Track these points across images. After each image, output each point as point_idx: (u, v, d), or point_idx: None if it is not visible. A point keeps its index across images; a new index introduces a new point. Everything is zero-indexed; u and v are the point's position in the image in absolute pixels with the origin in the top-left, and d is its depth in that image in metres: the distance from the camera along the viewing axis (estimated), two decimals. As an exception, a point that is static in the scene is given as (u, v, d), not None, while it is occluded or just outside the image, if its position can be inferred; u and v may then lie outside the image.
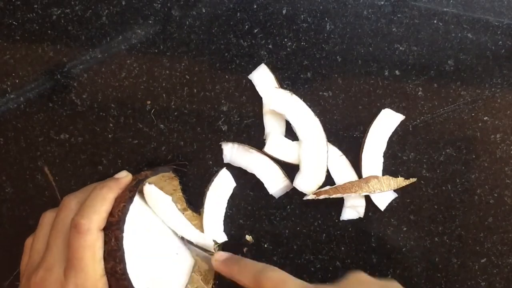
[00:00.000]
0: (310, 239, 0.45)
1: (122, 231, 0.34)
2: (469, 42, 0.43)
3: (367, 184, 0.42)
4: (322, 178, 0.43)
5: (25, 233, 0.45)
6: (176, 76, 0.44)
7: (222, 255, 0.41)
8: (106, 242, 0.34)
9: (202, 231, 0.43)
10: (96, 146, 0.45)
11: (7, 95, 0.44)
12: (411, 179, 0.43)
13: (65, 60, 0.44)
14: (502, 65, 0.43)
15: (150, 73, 0.44)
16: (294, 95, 0.43)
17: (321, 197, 0.42)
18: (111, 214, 0.35)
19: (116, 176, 0.39)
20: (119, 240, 0.34)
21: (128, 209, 0.35)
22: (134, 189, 0.36)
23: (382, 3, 0.43)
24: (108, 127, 0.45)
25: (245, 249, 0.45)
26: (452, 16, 0.43)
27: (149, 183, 0.40)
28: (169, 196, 0.41)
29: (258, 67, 0.43)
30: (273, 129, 0.44)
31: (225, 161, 0.44)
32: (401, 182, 0.43)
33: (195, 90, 0.44)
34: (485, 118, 0.44)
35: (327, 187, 0.43)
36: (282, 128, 0.44)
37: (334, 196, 0.42)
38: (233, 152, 0.44)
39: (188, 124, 0.44)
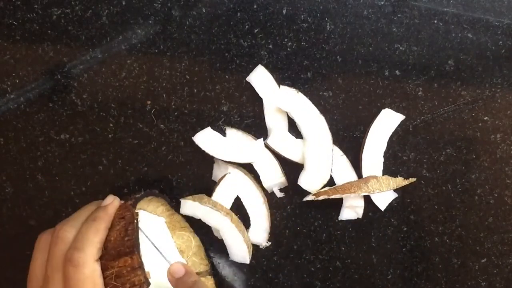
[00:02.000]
0: (310, 239, 0.45)
1: (140, 257, 0.34)
2: (469, 42, 0.43)
3: (366, 185, 0.42)
4: (327, 177, 0.43)
5: (25, 233, 0.45)
6: (176, 76, 0.44)
7: (179, 269, 0.38)
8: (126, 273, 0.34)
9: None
10: (96, 146, 0.45)
11: (7, 95, 0.44)
12: (410, 179, 0.43)
13: (65, 60, 0.44)
14: (502, 65, 0.43)
15: (150, 73, 0.44)
16: (299, 93, 0.43)
17: (321, 197, 0.42)
18: (121, 243, 0.35)
19: (103, 203, 0.37)
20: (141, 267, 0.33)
21: (137, 231, 0.35)
22: (132, 211, 0.36)
23: (382, 3, 0.43)
24: (108, 127, 0.45)
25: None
26: (453, 16, 0.43)
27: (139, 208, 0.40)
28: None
29: (255, 69, 0.43)
30: (276, 125, 0.44)
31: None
32: (400, 182, 0.43)
33: (195, 90, 0.44)
34: (485, 118, 0.44)
35: (327, 188, 0.43)
36: (284, 128, 0.44)
37: (333, 196, 0.42)
38: (235, 138, 0.44)
39: (188, 124, 0.44)
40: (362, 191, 0.42)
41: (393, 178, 0.43)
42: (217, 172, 0.45)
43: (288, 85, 0.44)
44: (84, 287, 0.33)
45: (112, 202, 0.37)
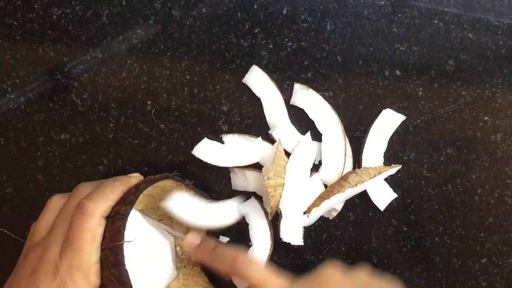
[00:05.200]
0: (310, 239, 0.45)
1: (125, 225, 0.34)
2: (469, 42, 0.43)
3: (347, 181, 0.41)
4: (341, 168, 0.43)
5: (26, 233, 0.45)
6: (176, 76, 0.44)
7: (195, 238, 0.39)
8: (106, 231, 0.34)
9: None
10: (97, 146, 0.45)
11: (7, 95, 0.44)
12: (392, 165, 0.43)
13: (65, 60, 0.44)
14: (502, 65, 0.43)
15: (150, 73, 0.44)
16: (310, 90, 0.43)
17: (313, 212, 0.42)
18: (118, 204, 0.35)
19: (129, 175, 0.39)
20: (120, 231, 0.34)
21: (132, 205, 0.35)
22: (139, 190, 0.36)
23: (383, 3, 0.43)
24: (108, 127, 0.45)
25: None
26: (453, 16, 0.43)
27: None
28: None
29: (250, 70, 0.43)
30: (278, 120, 0.44)
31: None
32: (381, 168, 0.42)
33: (195, 90, 0.44)
34: (485, 118, 0.44)
35: (313, 200, 0.43)
36: (288, 121, 0.44)
37: (323, 205, 0.42)
38: (233, 143, 0.44)
39: (189, 124, 0.44)
40: (345, 189, 0.41)
41: (372, 167, 0.42)
42: (235, 180, 0.45)
43: (288, 85, 0.44)
44: (83, 235, 0.33)
45: (137, 177, 0.39)
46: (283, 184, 0.41)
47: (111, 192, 0.35)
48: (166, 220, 0.44)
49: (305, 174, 0.43)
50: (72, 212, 0.35)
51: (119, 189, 0.36)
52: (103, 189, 0.36)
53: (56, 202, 0.37)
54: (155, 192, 0.41)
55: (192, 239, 0.39)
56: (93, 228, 0.34)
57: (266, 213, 0.43)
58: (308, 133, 0.43)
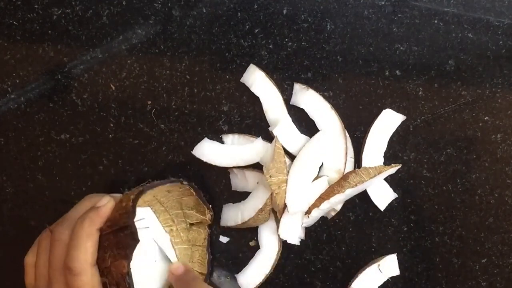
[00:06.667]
0: (310, 239, 0.45)
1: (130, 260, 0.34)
2: (469, 42, 0.43)
3: (347, 181, 0.41)
4: (342, 168, 0.43)
5: (25, 233, 0.45)
6: (176, 76, 0.44)
7: (178, 268, 0.40)
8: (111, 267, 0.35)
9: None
10: (97, 146, 0.45)
11: (7, 95, 0.44)
12: (392, 165, 0.43)
13: (65, 60, 0.44)
14: (502, 65, 0.43)
15: (150, 73, 0.44)
16: (310, 90, 0.43)
17: (313, 212, 0.42)
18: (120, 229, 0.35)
19: (98, 204, 0.37)
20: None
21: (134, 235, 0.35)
22: (134, 206, 0.36)
23: (383, 3, 0.43)
24: (108, 127, 0.45)
25: (250, 243, 0.45)
26: (453, 16, 0.43)
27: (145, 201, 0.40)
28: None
29: (248, 69, 0.43)
30: (279, 118, 0.44)
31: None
32: (381, 168, 0.42)
33: (195, 90, 0.44)
34: (485, 118, 0.44)
35: (314, 201, 0.43)
36: (288, 120, 0.44)
37: (323, 205, 0.42)
38: (233, 143, 0.44)
39: (189, 124, 0.44)
40: (345, 189, 0.41)
41: (372, 166, 0.42)
42: (235, 181, 0.45)
43: (288, 85, 0.44)
44: None
45: (106, 204, 0.37)
46: (286, 180, 0.41)
47: (86, 241, 0.35)
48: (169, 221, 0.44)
49: (312, 173, 0.43)
50: (59, 264, 0.35)
51: (92, 232, 0.35)
52: (78, 241, 0.35)
53: (45, 242, 0.37)
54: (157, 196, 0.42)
55: (177, 267, 0.40)
56: (89, 281, 0.34)
57: (276, 217, 0.43)
58: (320, 132, 0.43)
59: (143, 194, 0.36)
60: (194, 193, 0.41)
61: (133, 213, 0.35)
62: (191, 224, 0.43)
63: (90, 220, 0.36)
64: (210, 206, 0.42)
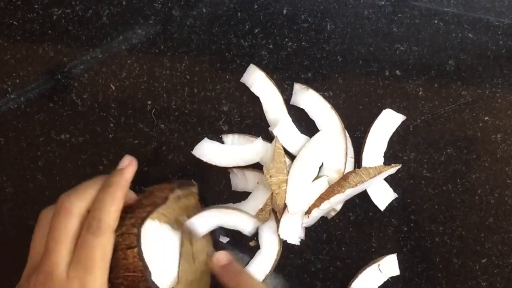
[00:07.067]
0: (310, 239, 0.45)
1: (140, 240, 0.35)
2: (469, 42, 0.43)
3: (347, 181, 0.41)
4: (342, 168, 0.43)
5: (25, 233, 0.45)
6: (176, 76, 0.44)
7: (223, 257, 0.39)
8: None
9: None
10: (97, 146, 0.45)
11: (7, 95, 0.44)
12: (392, 165, 0.43)
13: (65, 60, 0.44)
14: (502, 65, 0.43)
15: (150, 73, 0.44)
16: (310, 90, 0.43)
17: (313, 213, 0.42)
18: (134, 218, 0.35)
19: (119, 166, 0.38)
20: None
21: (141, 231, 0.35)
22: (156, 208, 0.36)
23: (383, 3, 0.43)
24: (108, 127, 0.45)
25: (250, 243, 0.45)
26: (453, 16, 0.43)
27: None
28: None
29: (248, 69, 0.43)
30: (279, 118, 0.44)
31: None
32: (381, 168, 0.42)
33: (195, 90, 0.44)
34: (485, 118, 0.44)
35: (313, 201, 0.43)
36: (289, 120, 0.44)
37: (323, 205, 0.42)
38: (233, 143, 0.44)
39: (189, 124, 0.44)
40: (345, 189, 0.41)
41: (372, 166, 0.42)
42: (235, 181, 0.45)
43: (288, 85, 0.44)
44: (95, 255, 0.33)
45: (129, 165, 0.37)
46: (286, 180, 0.41)
47: (111, 204, 0.35)
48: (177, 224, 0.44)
49: (312, 173, 0.43)
50: (62, 233, 0.34)
51: (118, 196, 0.35)
52: (103, 203, 0.35)
53: (47, 217, 0.36)
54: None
55: (222, 257, 0.39)
56: (104, 245, 0.34)
57: (276, 217, 0.43)
58: (320, 132, 0.43)
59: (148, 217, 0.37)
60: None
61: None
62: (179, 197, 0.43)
63: (115, 184, 0.36)
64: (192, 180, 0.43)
